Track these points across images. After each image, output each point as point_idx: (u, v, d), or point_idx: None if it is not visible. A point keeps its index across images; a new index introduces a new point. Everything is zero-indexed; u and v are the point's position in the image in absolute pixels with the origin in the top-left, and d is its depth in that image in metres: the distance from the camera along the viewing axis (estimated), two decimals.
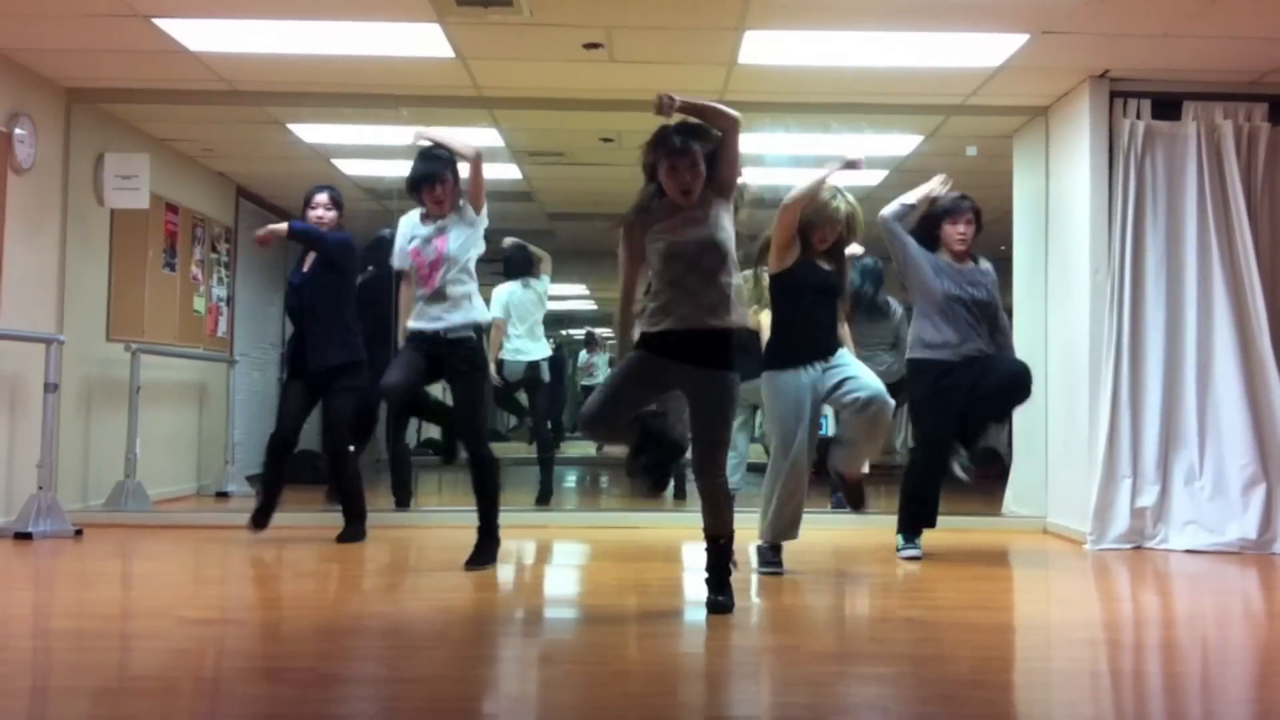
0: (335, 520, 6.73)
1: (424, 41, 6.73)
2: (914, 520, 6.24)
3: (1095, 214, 7.16)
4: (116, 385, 8.04)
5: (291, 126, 8.70)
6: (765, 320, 8.11)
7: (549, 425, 9.66)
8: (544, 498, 8.78)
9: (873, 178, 9.94)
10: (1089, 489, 6.93)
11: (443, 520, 7.48)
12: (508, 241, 8.93)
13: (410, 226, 5.95)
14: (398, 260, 5.96)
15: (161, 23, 6.51)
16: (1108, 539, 6.84)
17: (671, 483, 5.24)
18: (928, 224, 6.40)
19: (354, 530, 6.60)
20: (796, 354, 5.68)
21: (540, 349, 8.97)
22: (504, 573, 6.07)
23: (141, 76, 7.56)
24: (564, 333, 19.44)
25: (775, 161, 9.65)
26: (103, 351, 8.15)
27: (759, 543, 5.79)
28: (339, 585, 5.61)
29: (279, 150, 9.34)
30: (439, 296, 5.76)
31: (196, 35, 6.74)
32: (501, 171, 9.79)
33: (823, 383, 5.66)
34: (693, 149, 4.72)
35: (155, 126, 8.69)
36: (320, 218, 6.65)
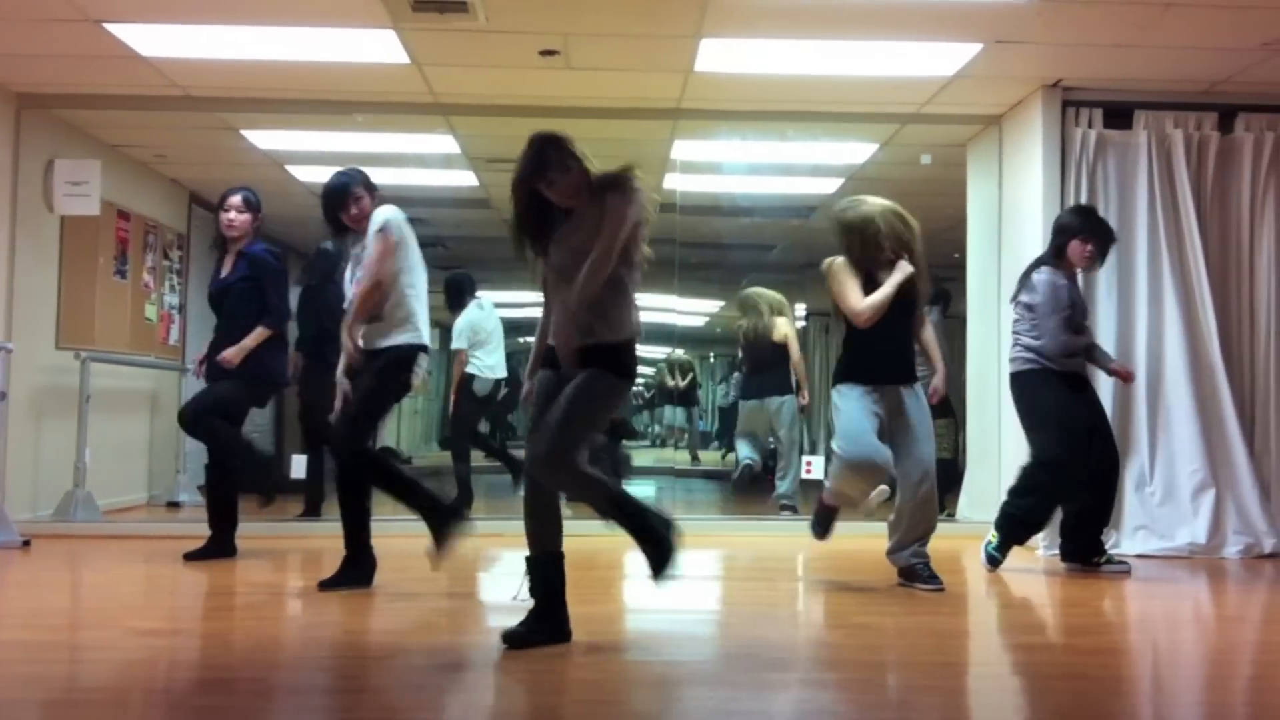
0: (291, 529, 6.69)
1: (379, 47, 6.70)
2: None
3: (1047, 222, 7.14)
4: (66, 393, 7.94)
5: (245, 132, 8.64)
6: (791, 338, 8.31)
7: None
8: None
9: (828, 186, 10.00)
10: None
11: (400, 530, 7.44)
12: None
13: None
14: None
15: (113, 28, 6.45)
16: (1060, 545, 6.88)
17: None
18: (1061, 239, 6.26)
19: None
20: (870, 373, 5.56)
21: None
22: (458, 581, 6.04)
23: (93, 82, 7.48)
24: (520, 340, 19.41)
25: (732, 169, 9.70)
26: (52, 359, 8.05)
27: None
28: (290, 595, 5.57)
29: (233, 156, 9.27)
30: None
31: (149, 40, 6.68)
32: (458, 178, 9.78)
33: (894, 416, 5.54)
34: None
35: (107, 132, 8.61)
36: (231, 221, 6.38)
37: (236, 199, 6.43)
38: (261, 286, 6.30)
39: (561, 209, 4.42)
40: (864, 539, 6.46)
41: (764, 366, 8.82)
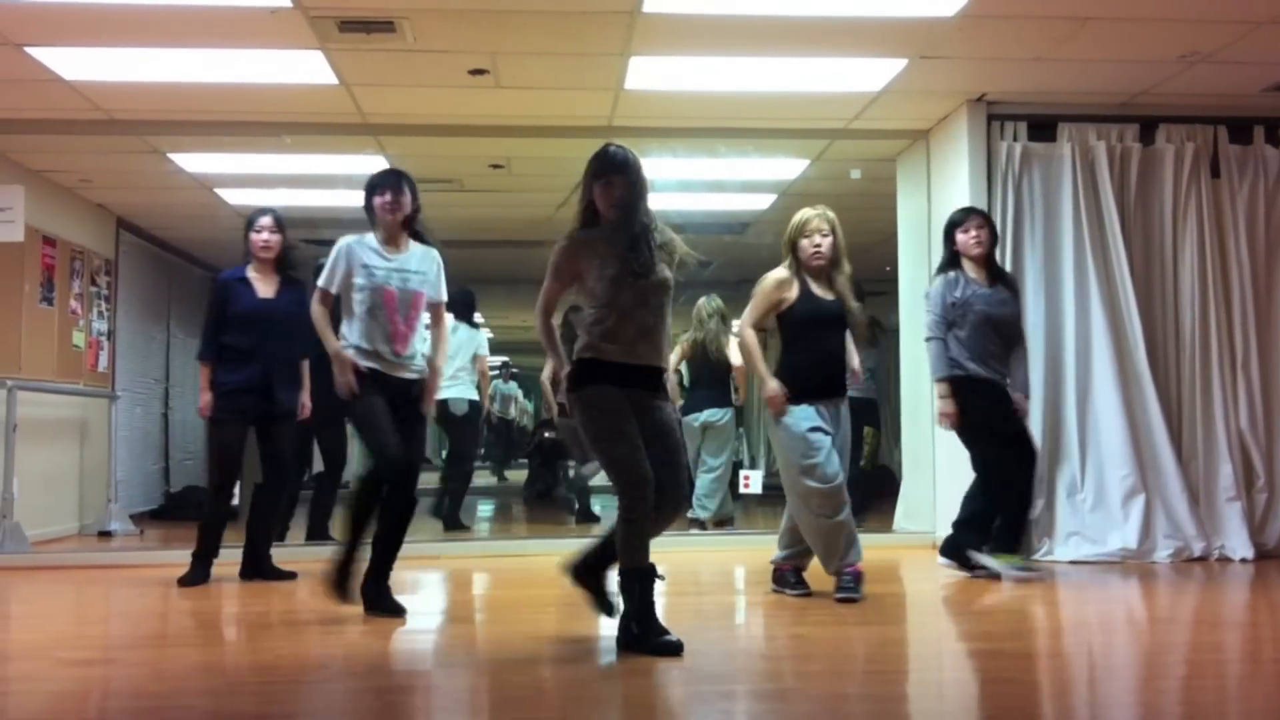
0: (225, 558, 6.60)
1: (306, 68, 6.66)
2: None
3: None
4: None
5: (172, 156, 8.55)
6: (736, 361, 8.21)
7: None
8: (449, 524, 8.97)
9: (761, 202, 10.06)
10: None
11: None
12: None
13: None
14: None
15: (35, 51, 6.36)
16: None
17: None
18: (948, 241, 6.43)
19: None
20: (805, 390, 5.56)
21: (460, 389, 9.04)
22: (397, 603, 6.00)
23: (15, 106, 7.38)
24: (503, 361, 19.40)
25: (664, 186, 9.71)
26: None
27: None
28: (223, 622, 5.50)
29: (160, 180, 9.16)
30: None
31: (72, 64, 6.60)
32: None
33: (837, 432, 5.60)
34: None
35: (30, 158, 8.49)
36: (267, 242, 6.26)
37: (268, 220, 6.33)
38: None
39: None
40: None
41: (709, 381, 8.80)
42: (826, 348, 5.61)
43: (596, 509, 9.53)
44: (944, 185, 7.78)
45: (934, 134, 7.95)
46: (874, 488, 9.50)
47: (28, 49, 6.33)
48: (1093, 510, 7.05)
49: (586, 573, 4.65)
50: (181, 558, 6.38)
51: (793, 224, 5.72)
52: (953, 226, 6.44)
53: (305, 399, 6.45)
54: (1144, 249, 7.42)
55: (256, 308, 6.26)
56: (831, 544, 5.46)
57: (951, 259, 6.41)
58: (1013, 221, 7.29)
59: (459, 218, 10.82)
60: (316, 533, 7.78)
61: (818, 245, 5.61)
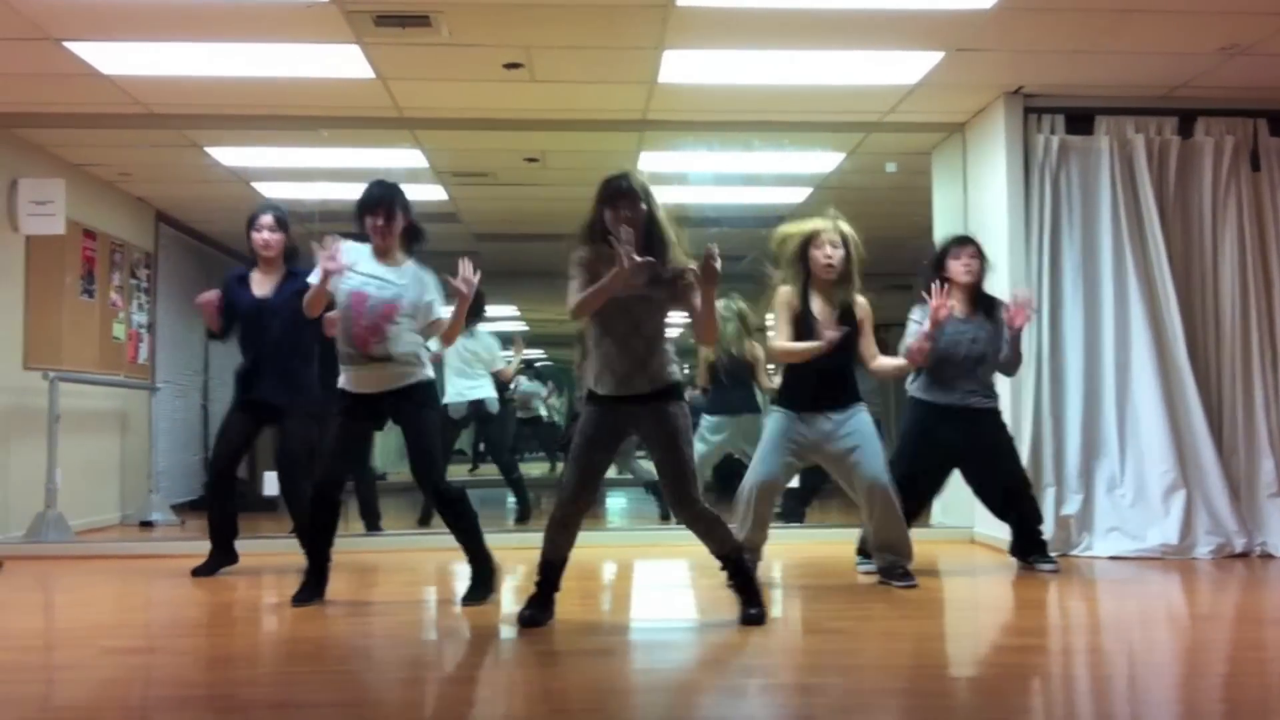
0: (263, 547, 6.66)
1: (343, 62, 6.69)
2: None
3: (1013, 228, 7.28)
4: (34, 414, 7.89)
5: (210, 149, 8.61)
6: (758, 351, 8.19)
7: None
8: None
9: (795, 195, 10.04)
10: None
11: (412, 545, 7.47)
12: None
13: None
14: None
15: (74, 46, 6.42)
16: None
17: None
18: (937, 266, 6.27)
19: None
20: (797, 401, 5.65)
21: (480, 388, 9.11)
22: (427, 596, 6.03)
23: (55, 101, 7.45)
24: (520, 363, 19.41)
25: (699, 180, 9.73)
26: (19, 380, 8.00)
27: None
28: (264, 611, 5.54)
29: (197, 174, 9.23)
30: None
31: (110, 58, 6.66)
32: (426, 193, 9.76)
33: (829, 442, 5.64)
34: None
35: (71, 151, 8.57)
36: (267, 241, 6.21)
37: (268, 218, 6.26)
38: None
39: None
40: (837, 544, 6.47)
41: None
42: (815, 365, 5.59)
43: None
44: (980, 179, 7.74)
45: (970, 127, 7.92)
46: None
47: (67, 44, 6.38)
48: (1132, 505, 7.01)
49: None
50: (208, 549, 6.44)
51: (802, 231, 5.69)
52: (944, 253, 6.28)
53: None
54: (1183, 242, 7.36)
55: (249, 306, 6.23)
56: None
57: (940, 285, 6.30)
58: (1050, 215, 7.25)
59: (493, 211, 10.86)
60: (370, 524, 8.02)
61: (829, 257, 5.61)
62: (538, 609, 4.79)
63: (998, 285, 7.28)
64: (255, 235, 6.24)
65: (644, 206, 4.74)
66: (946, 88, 7.25)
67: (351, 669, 4.27)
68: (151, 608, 5.82)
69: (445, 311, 5.47)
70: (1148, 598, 5.86)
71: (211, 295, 6.23)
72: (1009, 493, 6.30)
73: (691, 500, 4.78)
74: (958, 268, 6.17)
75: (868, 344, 5.74)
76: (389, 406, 5.37)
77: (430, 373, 5.51)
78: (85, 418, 8.85)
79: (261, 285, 6.27)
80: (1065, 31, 6.32)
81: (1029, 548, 6.35)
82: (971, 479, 6.40)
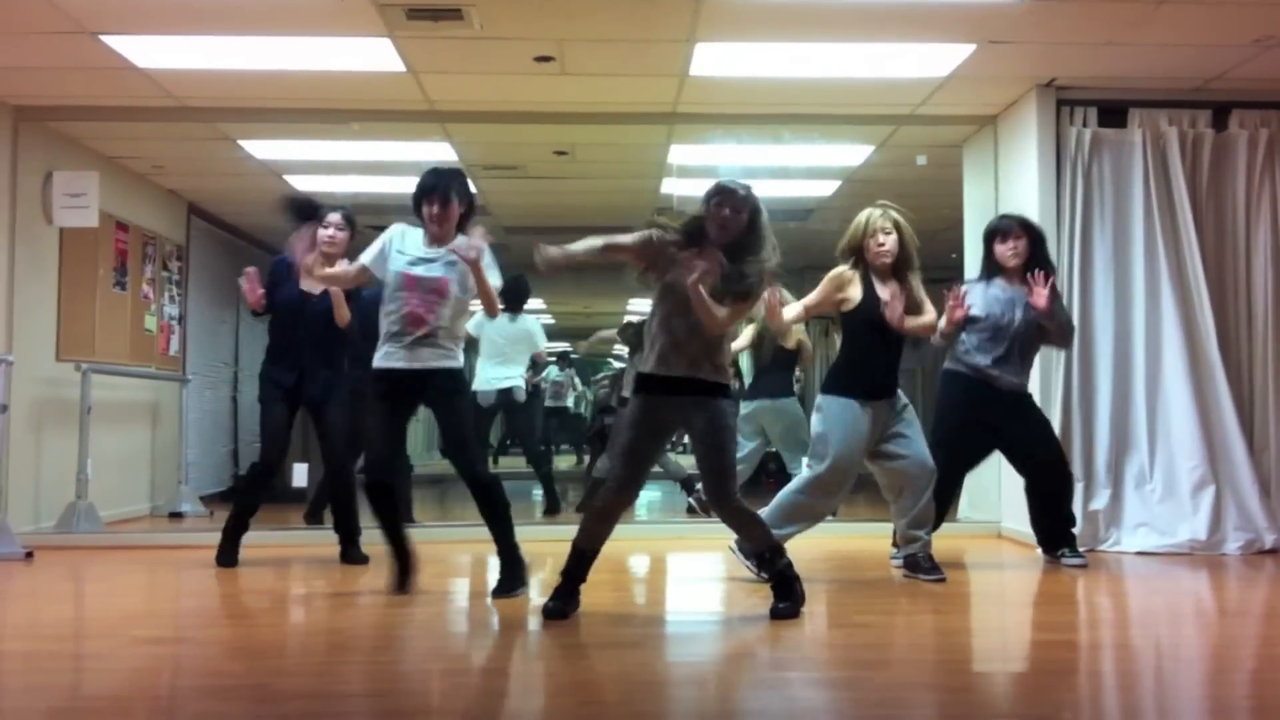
0: (293, 539, 6.69)
1: (375, 56, 6.71)
2: None
3: (1044, 221, 7.19)
4: (67, 405, 7.96)
5: (242, 142, 8.66)
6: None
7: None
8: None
9: (825, 188, 10.02)
10: None
11: (440, 536, 7.48)
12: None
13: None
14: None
15: (109, 39, 6.46)
16: None
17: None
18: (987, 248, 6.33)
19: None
20: (854, 387, 5.68)
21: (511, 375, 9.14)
22: (458, 587, 6.06)
23: (89, 94, 7.50)
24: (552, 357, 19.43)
25: (728, 173, 9.67)
26: (53, 371, 8.06)
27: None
28: (292, 602, 5.58)
29: (230, 166, 9.29)
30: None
31: (144, 51, 6.70)
32: None
33: (879, 428, 5.69)
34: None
35: (104, 144, 8.63)
36: (333, 237, 6.17)
37: (337, 217, 6.26)
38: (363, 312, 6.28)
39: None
40: (862, 539, 6.46)
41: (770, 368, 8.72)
42: (877, 354, 5.68)
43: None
44: (1012, 172, 7.71)
45: (1002, 120, 7.87)
46: None
47: (102, 37, 6.43)
48: (1162, 501, 6.96)
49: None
50: (248, 539, 6.48)
51: (855, 225, 5.74)
52: (990, 239, 6.32)
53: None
54: (1216, 236, 7.31)
55: (292, 298, 6.31)
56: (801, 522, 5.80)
57: (989, 268, 6.32)
58: (1082, 209, 7.20)
59: (523, 204, 10.87)
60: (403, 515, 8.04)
61: (881, 244, 5.65)
62: (563, 600, 4.79)
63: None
64: (322, 231, 6.24)
65: (744, 215, 4.81)
66: (978, 80, 7.21)
67: (381, 660, 4.29)
68: (181, 598, 5.86)
69: (496, 278, 5.50)
70: (1176, 594, 5.83)
71: (251, 270, 6.30)
72: (1051, 471, 6.28)
73: (730, 496, 4.82)
74: (1004, 252, 6.22)
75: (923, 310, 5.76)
76: (424, 389, 5.38)
77: (461, 361, 5.53)
78: (116, 409, 8.92)
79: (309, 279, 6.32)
80: (1098, 23, 6.27)
81: (1058, 540, 6.31)
82: (1016, 459, 6.39)
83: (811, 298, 5.83)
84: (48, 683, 3.89)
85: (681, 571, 6.81)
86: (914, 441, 5.72)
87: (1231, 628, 5.02)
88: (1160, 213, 7.16)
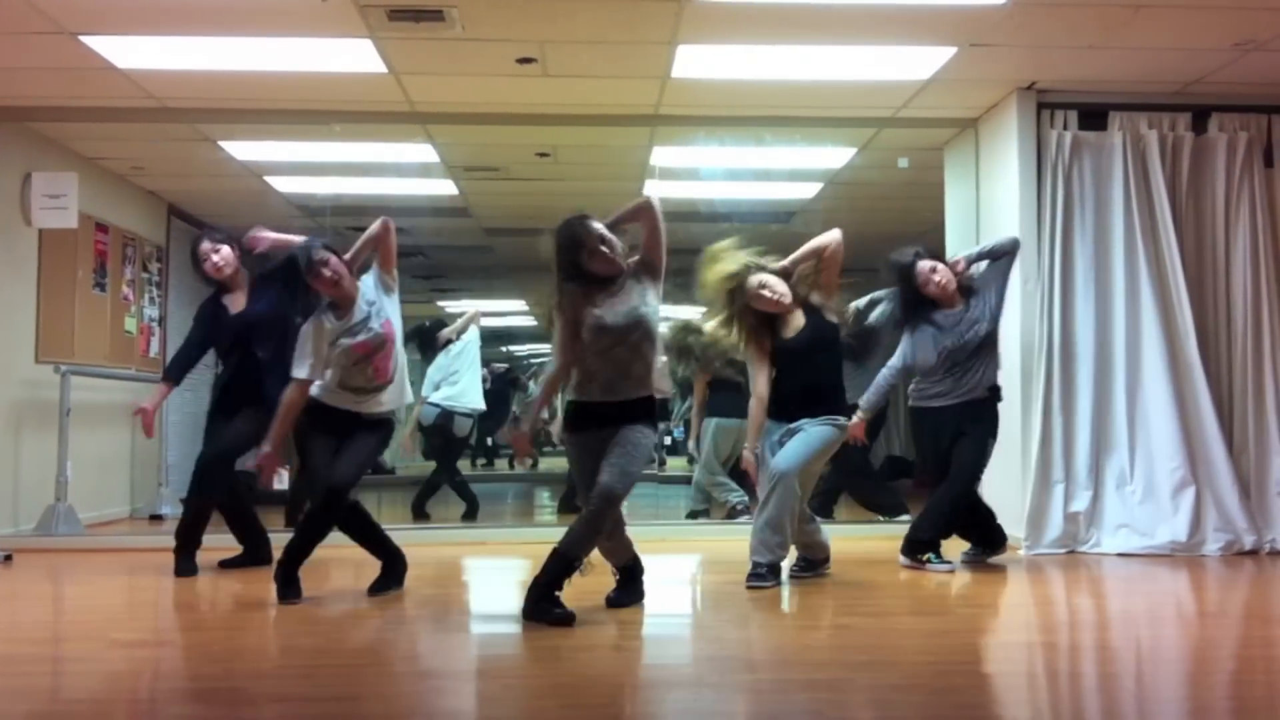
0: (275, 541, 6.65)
1: (356, 57, 6.70)
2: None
3: (1025, 223, 7.25)
4: (46, 407, 7.92)
5: (223, 144, 8.62)
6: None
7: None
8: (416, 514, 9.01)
9: (807, 191, 10.04)
10: (1023, 495, 7.03)
11: (423, 539, 7.44)
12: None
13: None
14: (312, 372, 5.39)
15: (89, 40, 6.43)
16: (1042, 544, 6.93)
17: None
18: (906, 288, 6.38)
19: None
20: (784, 415, 5.77)
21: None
22: (437, 590, 6.05)
23: (70, 94, 7.47)
24: (503, 349, 19.35)
25: (710, 175, 9.72)
26: (31, 373, 8.03)
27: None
28: (272, 607, 5.55)
29: (210, 168, 9.25)
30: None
31: (125, 52, 6.67)
32: (437, 187, 9.77)
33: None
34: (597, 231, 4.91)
35: (84, 145, 8.59)
36: (219, 265, 6.28)
37: (206, 245, 6.30)
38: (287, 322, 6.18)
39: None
40: (843, 540, 6.47)
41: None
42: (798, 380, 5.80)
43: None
44: (993, 174, 7.73)
45: (983, 122, 7.90)
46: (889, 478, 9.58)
47: (82, 37, 6.40)
48: (1142, 502, 6.99)
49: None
50: (231, 542, 6.45)
51: (729, 287, 5.80)
52: (907, 278, 6.37)
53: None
54: (1196, 239, 7.34)
55: (233, 326, 6.32)
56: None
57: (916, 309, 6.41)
58: (1063, 211, 7.22)
59: (504, 206, 10.86)
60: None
61: (776, 295, 5.75)
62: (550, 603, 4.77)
63: (1010, 280, 7.26)
64: (205, 265, 6.28)
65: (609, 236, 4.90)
66: (960, 83, 7.23)
67: (361, 664, 4.27)
68: (161, 601, 5.83)
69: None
70: (1156, 595, 5.86)
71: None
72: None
73: (607, 494, 4.77)
74: (930, 289, 6.28)
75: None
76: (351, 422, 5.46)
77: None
78: (96, 411, 8.88)
79: (236, 303, 6.34)
80: (1079, 27, 6.30)
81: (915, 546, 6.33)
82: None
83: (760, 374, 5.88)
84: (27, 686, 3.87)
85: (663, 573, 6.79)
86: (787, 448, 5.71)
87: (1211, 629, 5.04)
88: (1140, 215, 7.19)
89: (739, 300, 5.76)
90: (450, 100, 7.69)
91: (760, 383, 5.80)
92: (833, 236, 5.80)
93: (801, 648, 4.62)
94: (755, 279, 5.74)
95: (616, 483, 4.74)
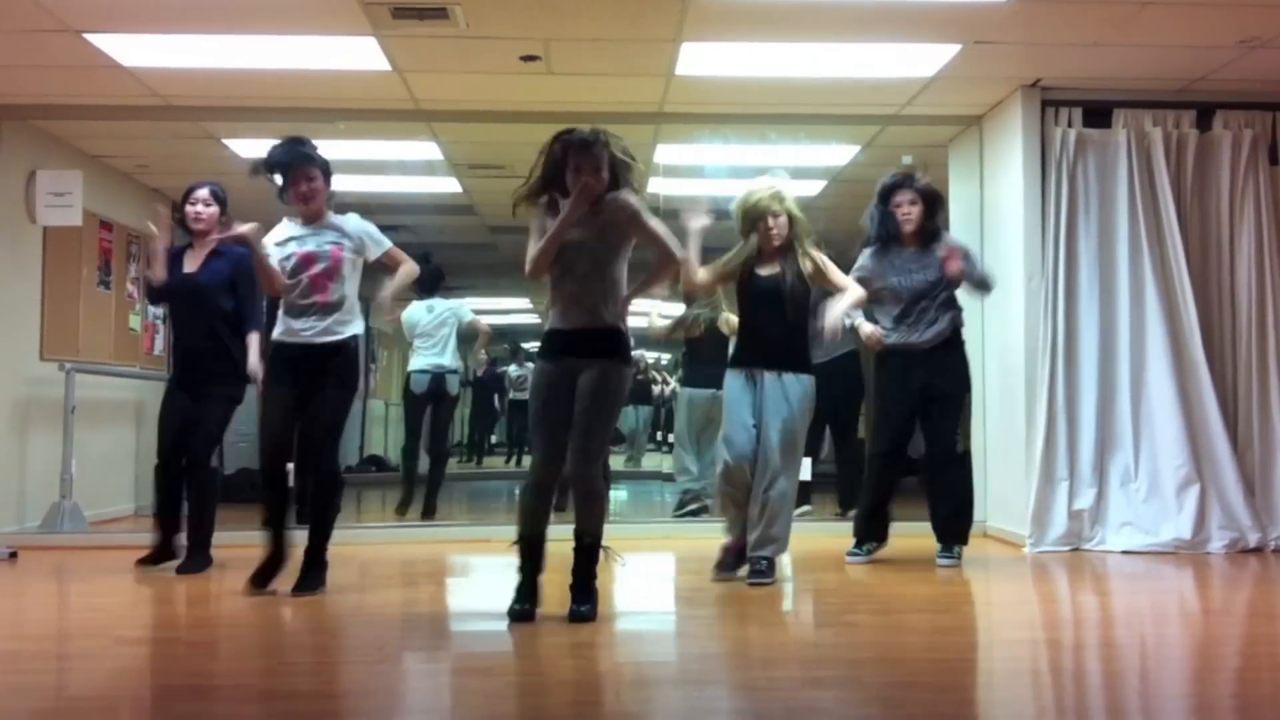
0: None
1: (360, 55, 6.70)
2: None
3: (1029, 221, 7.25)
4: (51, 405, 7.93)
5: (227, 141, 8.63)
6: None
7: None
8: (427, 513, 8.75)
9: (811, 188, 10.01)
10: (1027, 492, 7.02)
11: (388, 537, 7.45)
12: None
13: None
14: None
15: (93, 38, 6.44)
16: (1046, 541, 6.92)
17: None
18: (883, 201, 6.40)
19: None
20: (741, 359, 5.84)
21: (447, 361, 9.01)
22: (439, 587, 6.05)
23: (73, 92, 7.47)
24: (505, 346, 19.34)
25: (714, 173, 9.71)
26: (36, 371, 8.03)
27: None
28: (274, 603, 5.55)
29: (214, 166, 9.21)
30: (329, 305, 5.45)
31: (129, 50, 6.67)
32: (441, 185, 9.78)
33: (760, 398, 5.73)
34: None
35: (88, 143, 8.60)
36: (199, 214, 6.23)
37: (204, 192, 6.29)
38: (241, 290, 6.21)
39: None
40: (847, 538, 6.46)
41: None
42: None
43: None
44: (997, 172, 7.72)
45: (987, 120, 7.89)
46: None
47: (87, 35, 6.40)
48: (1146, 500, 6.98)
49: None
50: (235, 539, 6.45)
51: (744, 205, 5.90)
52: (887, 195, 6.40)
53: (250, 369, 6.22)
54: (1200, 236, 7.33)
55: (178, 283, 6.26)
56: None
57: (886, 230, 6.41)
58: (1067, 209, 7.21)
59: (508, 203, 10.77)
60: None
61: (771, 228, 5.82)
62: (527, 600, 4.69)
63: (1013, 277, 7.28)
64: (189, 208, 6.25)
65: (606, 161, 4.78)
66: (963, 80, 7.22)
67: (370, 660, 4.28)
68: (166, 598, 5.83)
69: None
70: (1160, 592, 5.86)
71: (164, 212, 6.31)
72: (931, 458, 6.32)
73: (591, 465, 4.75)
74: (898, 212, 6.31)
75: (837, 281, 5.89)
76: (314, 368, 5.38)
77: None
78: (101, 408, 8.89)
79: (192, 261, 6.29)
80: (1083, 24, 6.29)
81: (939, 531, 6.30)
82: (923, 426, 6.36)
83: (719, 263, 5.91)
84: (32, 683, 3.87)
85: (667, 570, 6.80)
86: (766, 430, 5.68)
87: (1216, 627, 5.04)
88: (1145, 213, 7.18)
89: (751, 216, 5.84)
90: (454, 98, 7.69)
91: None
92: (855, 293, 5.90)
93: (809, 645, 4.63)
94: (771, 203, 5.83)
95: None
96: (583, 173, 4.73)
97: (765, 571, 5.59)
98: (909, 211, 6.28)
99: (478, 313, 9.56)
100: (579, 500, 4.78)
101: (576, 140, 4.80)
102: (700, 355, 8.58)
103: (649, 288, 4.98)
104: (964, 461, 6.27)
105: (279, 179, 5.47)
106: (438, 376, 8.88)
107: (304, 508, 5.73)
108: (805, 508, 6.61)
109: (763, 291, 5.82)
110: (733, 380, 5.82)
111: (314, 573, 5.40)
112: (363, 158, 8.99)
